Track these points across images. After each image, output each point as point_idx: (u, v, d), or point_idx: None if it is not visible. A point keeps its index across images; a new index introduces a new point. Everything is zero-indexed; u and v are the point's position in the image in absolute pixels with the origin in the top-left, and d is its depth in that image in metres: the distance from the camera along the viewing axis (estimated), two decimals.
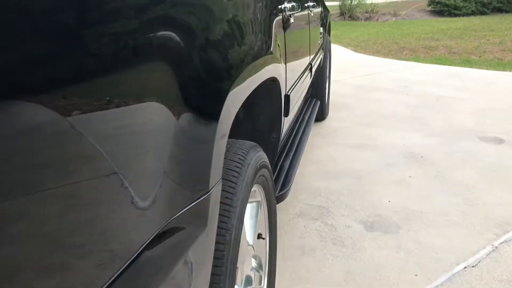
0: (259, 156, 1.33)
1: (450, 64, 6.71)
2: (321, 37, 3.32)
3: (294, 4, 1.85)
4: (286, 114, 1.82)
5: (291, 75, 1.88)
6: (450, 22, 12.25)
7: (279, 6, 1.67)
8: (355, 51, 8.24)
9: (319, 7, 3.31)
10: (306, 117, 3.04)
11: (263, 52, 1.30)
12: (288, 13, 1.75)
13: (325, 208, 2.55)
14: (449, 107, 4.47)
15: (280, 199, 1.88)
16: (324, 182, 2.88)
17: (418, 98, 4.81)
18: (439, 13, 14.11)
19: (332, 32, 11.41)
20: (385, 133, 3.74)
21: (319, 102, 3.55)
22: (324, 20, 3.57)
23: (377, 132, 3.78)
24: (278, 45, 1.56)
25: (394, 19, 13.70)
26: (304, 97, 2.89)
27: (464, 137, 3.61)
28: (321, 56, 3.40)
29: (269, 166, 1.46)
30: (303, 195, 2.72)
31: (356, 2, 14.31)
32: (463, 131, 3.77)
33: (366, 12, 14.32)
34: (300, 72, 2.13)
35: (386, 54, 7.79)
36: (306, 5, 2.50)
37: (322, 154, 3.32)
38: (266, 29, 1.38)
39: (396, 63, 6.94)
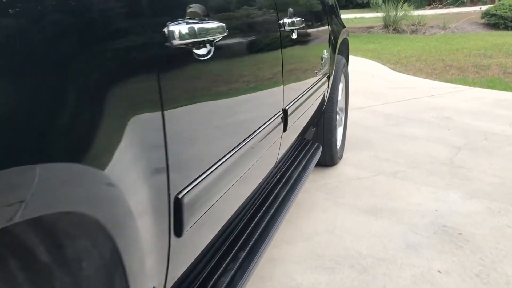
0: None
1: (505, 89, 5.59)
2: (322, 64, 2.42)
3: (214, 26, 0.99)
4: (178, 233, 0.95)
5: (192, 159, 1.00)
6: (506, 36, 10.91)
7: (156, 31, 0.81)
8: (394, 69, 7.21)
9: (320, 24, 2.42)
10: (294, 175, 2.15)
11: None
12: (180, 42, 0.89)
13: None
14: (502, 150, 3.43)
15: None
16: (311, 275, 1.97)
17: (462, 135, 3.78)
18: (494, 26, 12.74)
19: (371, 46, 10.40)
20: (413, 190, 2.77)
21: (321, 148, 2.64)
22: (332, 38, 2.66)
23: (402, 187, 2.82)
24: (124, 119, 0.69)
25: (443, 32, 12.46)
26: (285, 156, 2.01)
27: None
28: (322, 90, 2.50)
29: None
30: None
31: (401, 14, 13.16)
32: None
33: (412, 25, 13.15)
34: (232, 145, 1.22)
35: (429, 74, 6.72)
36: (280, 22, 1.63)
37: (320, 223, 2.41)
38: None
39: (440, 85, 5.87)
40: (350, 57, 8.60)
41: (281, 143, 1.73)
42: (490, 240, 2.21)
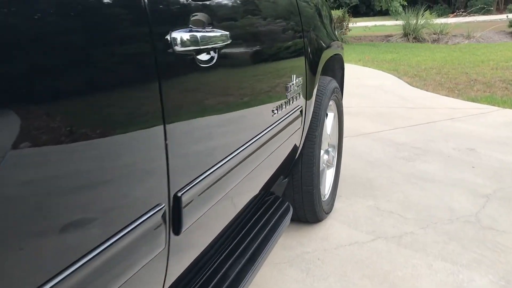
0: None
1: None
2: (289, 95, 1.63)
3: None
4: None
5: None
6: None
7: None
8: (411, 83, 6.34)
9: (285, 36, 1.63)
10: (232, 275, 1.35)
11: None
12: None
13: None
14: None
15: None
16: None
17: (490, 175, 2.93)
18: None
19: (389, 56, 9.50)
20: (423, 268, 1.96)
21: (290, 212, 1.84)
22: (311, 55, 1.86)
23: (408, 262, 2.00)
24: None
25: (466, 41, 11.48)
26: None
27: None
28: (291, 131, 1.70)
29: None
30: None
31: (422, 22, 12.23)
32: None
33: (434, 33, 12.20)
34: None
35: (451, 90, 5.83)
36: (167, 37, 0.86)
37: None
38: None
39: (463, 105, 5.00)
40: (363, 69, 7.79)
41: (170, 257, 0.94)
42: None
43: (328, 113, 2.41)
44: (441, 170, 3.05)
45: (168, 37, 0.88)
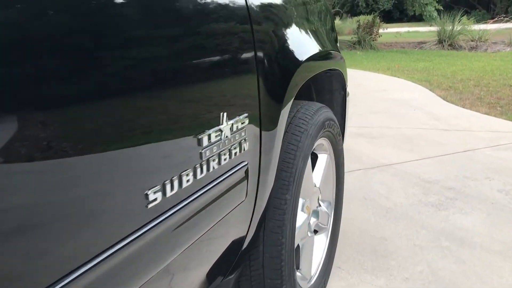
0: None
1: None
2: (213, 157, 0.87)
3: None
4: None
5: None
6: None
7: None
8: (445, 98, 5.44)
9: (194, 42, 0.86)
10: None
11: None
12: None
13: None
14: None
15: None
16: None
17: None
18: None
19: (421, 65, 8.57)
20: None
21: None
22: (266, 67, 1.09)
23: None
24: None
25: (508, 49, 10.39)
26: None
27: None
28: (217, 233, 0.94)
29: None
30: None
31: (458, 28, 11.19)
32: None
33: (472, 40, 11.15)
34: None
35: (492, 106, 4.92)
36: None
37: None
38: None
39: (507, 127, 4.09)
40: (391, 80, 6.88)
41: None
42: None
43: (318, 155, 1.64)
44: (483, 225, 2.21)
45: None
